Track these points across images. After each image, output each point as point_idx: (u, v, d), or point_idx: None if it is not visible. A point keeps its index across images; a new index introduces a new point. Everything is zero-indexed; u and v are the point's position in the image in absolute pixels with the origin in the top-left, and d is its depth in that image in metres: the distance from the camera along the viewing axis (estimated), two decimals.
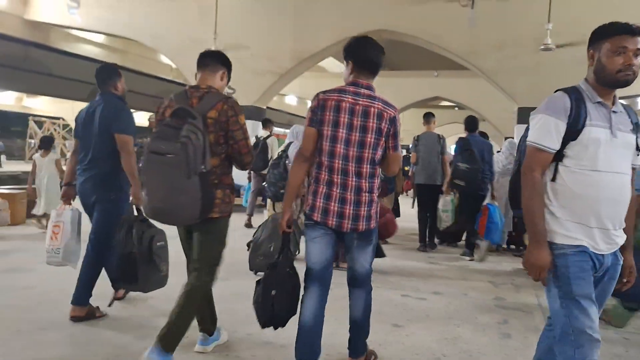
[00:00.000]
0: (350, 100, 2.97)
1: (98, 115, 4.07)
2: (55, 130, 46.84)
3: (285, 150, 6.39)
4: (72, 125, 38.23)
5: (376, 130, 2.95)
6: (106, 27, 12.71)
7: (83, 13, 12.33)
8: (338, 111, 2.95)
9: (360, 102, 2.97)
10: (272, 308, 3.12)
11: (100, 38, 17.96)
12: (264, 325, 3.18)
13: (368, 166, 2.97)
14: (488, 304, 4.96)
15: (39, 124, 46.34)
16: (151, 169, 2.92)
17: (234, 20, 11.30)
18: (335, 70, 21.11)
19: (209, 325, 3.51)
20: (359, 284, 3.26)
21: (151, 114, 22.07)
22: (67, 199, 4.27)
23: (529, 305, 4.97)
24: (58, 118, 44.05)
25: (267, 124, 9.33)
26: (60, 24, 13.20)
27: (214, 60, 3.44)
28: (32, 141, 46.60)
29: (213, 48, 10.85)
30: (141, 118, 40.76)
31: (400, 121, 3.14)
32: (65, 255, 4.13)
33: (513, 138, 9.67)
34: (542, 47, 9.21)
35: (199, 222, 3.06)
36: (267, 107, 12.78)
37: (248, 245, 5.83)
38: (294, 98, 32.35)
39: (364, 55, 3.14)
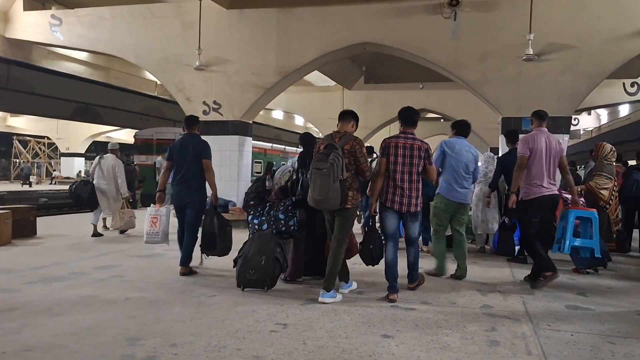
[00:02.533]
0: (402, 141, 5.46)
1: (191, 147, 6.38)
2: (40, 149, 46.54)
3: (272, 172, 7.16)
4: (57, 144, 37.74)
5: (418, 156, 5.42)
6: (89, 45, 12.63)
7: (65, 31, 12.29)
8: (396, 147, 5.42)
9: (408, 142, 5.46)
10: (372, 255, 5.60)
11: (83, 55, 17.89)
12: (367, 264, 5.70)
13: (415, 176, 5.43)
14: (476, 312, 4.97)
15: (24, 144, 46.01)
16: (315, 177, 5.11)
17: (218, 35, 11.32)
18: (320, 84, 21.18)
19: (344, 277, 5.68)
20: (411, 243, 5.67)
21: (136, 131, 22.03)
22: (160, 200, 6.55)
23: (516, 312, 4.98)
24: (43, 137, 43.80)
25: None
26: (42, 41, 13.10)
27: (348, 116, 5.55)
28: (17, 161, 46.27)
29: (197, 64, 10.92)
30: (127, 135, 40.68)
31: (431, 149, 5.60)
32: (162, 237, 6.44)
33: (489, 150, 9.81)
34: (524, 57, 9.33)
35: (340, 211, 5.28)
36: (254, 122, 12.78)
37: (235, 262, 5.80)
38: (281, 113, 32.45)
39: (406, 117, 5.61)
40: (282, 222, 5.92)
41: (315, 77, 19.80)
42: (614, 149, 7.58)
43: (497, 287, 6.06)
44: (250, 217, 6.15)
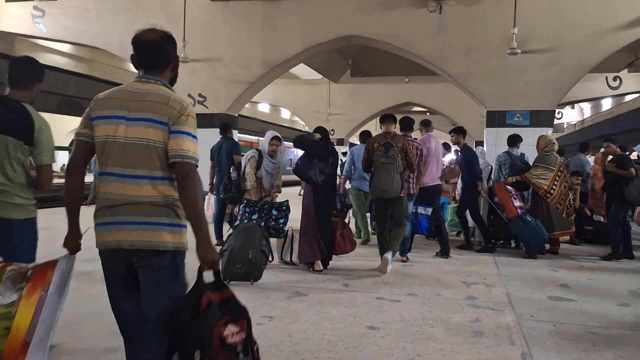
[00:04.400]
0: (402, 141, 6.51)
1: (224, 147, 8.17)
2: None
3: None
4: None
5: (416, 154, 6.71)
6: (73, 37, 12.49)
7: (48, 22, 12.14)
8: None
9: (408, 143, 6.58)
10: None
11: (66, 47, 17.72)
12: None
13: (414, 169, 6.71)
14: (460, 303, 5.02)
15: None
16: (380, 171, 6.18)
17: (203, 28, 11.26)
18: (307, 77, 21.14)
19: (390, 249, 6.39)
20: (408, 219, 6.76)
21: None
22: (211, 190, 8.58)
23: (500, 303, 5.04)
24: None
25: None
26: (25, 33, 12.93)
27: (390, 119, 6.59)
28: None
29: (182, 56, 10.84)
30: None
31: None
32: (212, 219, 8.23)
33: (474, 143, 9.97)
34: (509, 51, 9.38)
35: (396, 199, 6.29)
36: (240, 115, 12.74)
37: (220, 254, 5.81)
38: (267, 106, 32.36)
39: (404, 123, 7.08)
40: (274, 217, 6.16)
41: (302, 70, 19.78)
42: (553, 140, 7.90)
43: (482, 278, 6.12)
44: (243, 206, 6.34)
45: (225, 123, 8.76)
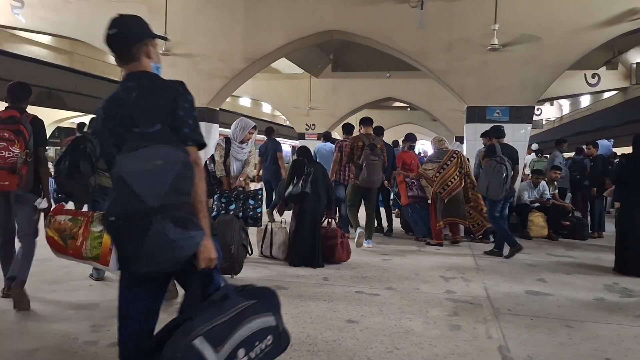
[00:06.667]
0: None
1: (269, 147, 10.14)
2: None
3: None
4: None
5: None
6: (53, 28, 12.26)
7: (27, 13, 11.92)
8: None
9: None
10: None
11: (46, 39, 17.44)
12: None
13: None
14: (439, 297, 5.08)
15: None
16: (370, 166, 7.42)
17: (184, 21, 11.16)
18: (288, 72, 21.07)
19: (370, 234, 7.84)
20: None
21: None
22: (257, 181, 9.82)
23: (478, 297, 5.11)
24: None
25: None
26: (4, 24, 12.68)
27: (370, 122, 7.96)
28: None
29: (163, 49, 10.75)
30: None
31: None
32: None
33: (454, 139, 10.10)
34: (489, 47, 9.43)
35: (373, 189, 7.72)
36: (221, 109, 12.67)
37: None
38: (248, 100, 32.21)
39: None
40: (251, 207, 6.02)
41: (283, 65, 19.67)
42: (441, 139, 8.73)
43: (460, 273, 6.19)
44: (217, 196, 6.15)
45: (269, 128, 10.65)
